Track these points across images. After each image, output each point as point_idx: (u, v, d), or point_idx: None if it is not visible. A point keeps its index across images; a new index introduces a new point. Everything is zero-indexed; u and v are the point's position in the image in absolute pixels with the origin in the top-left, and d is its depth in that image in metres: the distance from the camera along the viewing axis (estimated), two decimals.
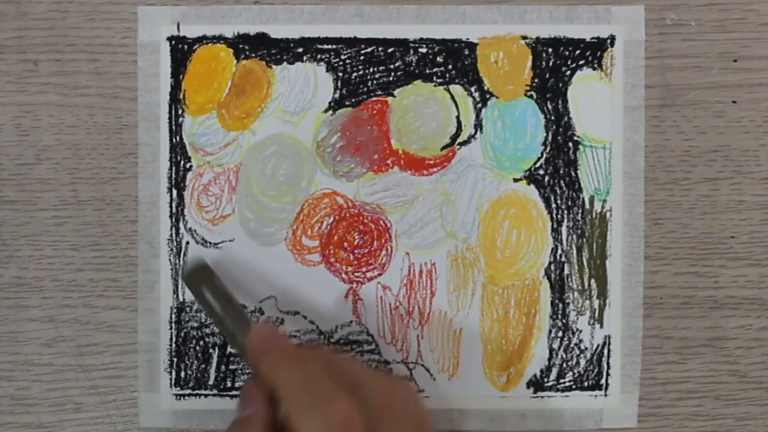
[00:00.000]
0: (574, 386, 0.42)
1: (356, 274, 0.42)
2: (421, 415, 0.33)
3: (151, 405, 0.42)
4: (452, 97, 0.42)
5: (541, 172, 0.42)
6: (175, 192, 0.42)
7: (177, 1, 0.42)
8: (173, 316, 0.42)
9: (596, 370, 0.42)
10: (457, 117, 0.42)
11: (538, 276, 0.42)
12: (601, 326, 0.42)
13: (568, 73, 0.42)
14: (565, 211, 0.42)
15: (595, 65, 0.42)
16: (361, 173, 0.42)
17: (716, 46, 0.42)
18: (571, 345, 0.42)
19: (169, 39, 0.42)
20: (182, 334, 0.42)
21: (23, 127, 0.42)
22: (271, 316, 0.42)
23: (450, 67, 0.42)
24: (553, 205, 0.42)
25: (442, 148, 0.42)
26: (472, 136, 0.42)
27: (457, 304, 0.42)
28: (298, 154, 0.42)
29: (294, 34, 0.42)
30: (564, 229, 0.42)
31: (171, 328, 0.42)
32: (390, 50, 0.42)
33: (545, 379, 0.42)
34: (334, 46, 0.42)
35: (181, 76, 0.42)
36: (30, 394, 0.42)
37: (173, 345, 0.42)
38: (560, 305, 0.42)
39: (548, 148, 0.42)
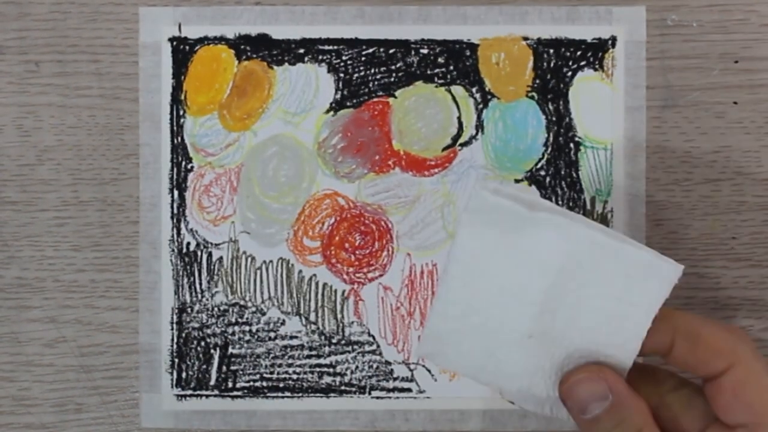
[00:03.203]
0: None
1: (357, 275, 0.42)
2: None
3: (153, 406, 0.42)
4: (453, 98, 0.42)
5: (543, 173, 0.42)
6: (176, 193, 0.42)
7: (178, 1, 0.42)
8: (174, 316, 0.42)
9: None
10: (459, 118, 0.42)
11: None
12: None
13: (570, 74, 0.42)
14: None
15: (597, 66, 0.42)
16: (362, 174, 0.42)
17: (717, 47, 0.42)
18: None
19: (171, 40, 0.42)
20: (183, 335, 0.42)
21: (24, 127, 0.42)
22: (272, 317, 0.42)
23: (451, 68, 0.42)
24: None
25: (444, 149, 0.42)
26: (473, 137, 0.42)
27: None
28: (300, 154, 0.42)
29: (295, 35, 0.42)
30: None
31: (172, 329, 0.42)
32: (391, 51, 0.42)
33: None
34: (335, 47, 0.42)
35: (182, 77, 0.42)
36: (31, 395, 0.42)
37: (174, 346, 0.42)
38: None
39: (549, 149, 0.42)
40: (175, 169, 0.42)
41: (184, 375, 0.42)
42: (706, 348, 0.31)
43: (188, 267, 0.42)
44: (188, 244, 0.42)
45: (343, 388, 0.42)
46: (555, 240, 0.30)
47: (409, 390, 0.42)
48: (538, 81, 0.42)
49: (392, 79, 0.42)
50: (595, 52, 0.42)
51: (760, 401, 0.30)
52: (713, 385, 0.31)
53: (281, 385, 0.42)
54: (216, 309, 0.42)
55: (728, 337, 0.31)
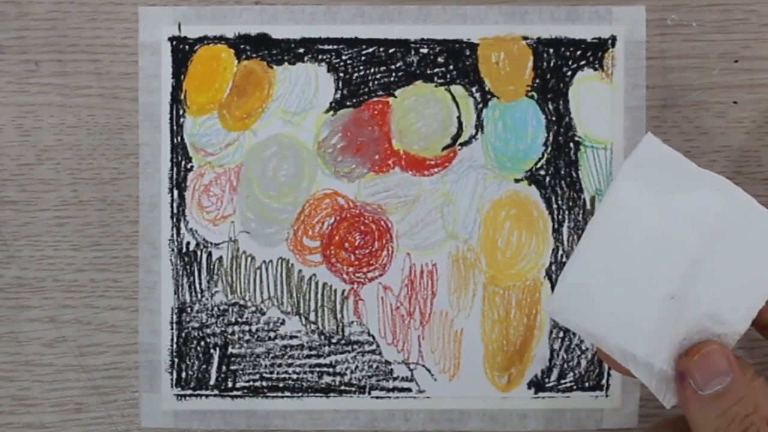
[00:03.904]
0: (574, 387, 0.42)
1: (357, 275, 0.42)
2: None
3: (152, 405, 0.42)
4: (453, 97, 0.42)
5: (542, 172, 0.42)
6: (176, 192, 0.42)
7: (178, 1, 0.42)
8: (174, 316, 0.42)
9: (597, 370, 0.42)
10: (458, 117, 0.42)
11: (539, 277, 0.42)
12: None
13: (569, 73, 0.42)
14: (566, 212, 0.42)
15: (596, 66, 0.42)
16: (362, 174, 0.42)
17: (717, 47, 0.42)
18: (572, 346, 0.42)
19: (170, 39, 0.42)
20: (183, 335, 0.42)
21: (24, 127, 0.42)
22: (272, 317, 0.42)
23: (451, 67, 0.42)
24: (554, 206, 0.42)
25: (443, 149, 0.42)
26: (473, 137, 0.42)
27: (458, 305, 0.42)
28: (299, 154, 0.42)
29: (295, 35, 0.42)
30: (565, 230, 0.42)
31: (172, 329, 0.42)
32: (391, 50, 0.42)
33: (546, 380, 0.42)
34: (335, 47, 0.42)
35: (182, 77, 0.42)
36: (31, 395, 0.42)
37: (174, 345, 0.42)
38: None
39: (549, 149, 0.42)
40: (174, 169, 0.42)
41: (183, 375, 0.42)
42: None
43: (188, 267, 0.42)
44: (188, 243, 0.42)
45: (342, 387, 0.42)
46: (714, 199, 0.30)
47: (408, 390, 0.42)
48: (537, 80, 0.42)
49: (392, 79, 0.42)
50: (594, 52, 0.42)
51: None
52: None
53: (281, 384, 0.42)
54: (216, 309, 0.42)
55: None
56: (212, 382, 0.42)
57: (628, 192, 0.31)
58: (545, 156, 0.42)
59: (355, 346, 0.42)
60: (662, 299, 0.30)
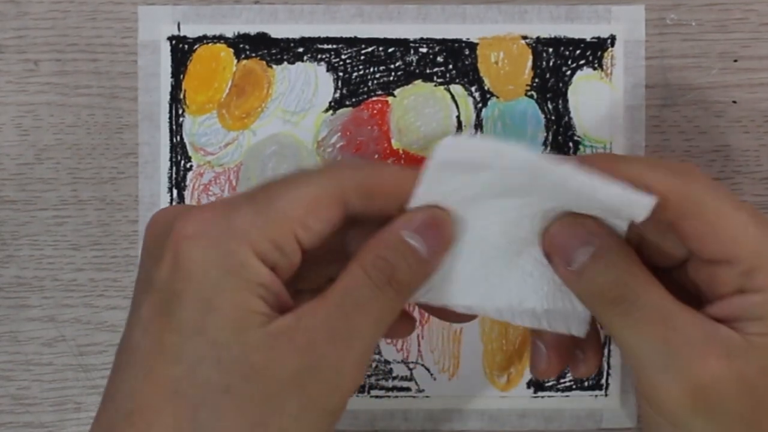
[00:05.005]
0: (574, 386, 0.42)
1: None
2: None
3: None
4: (452, 97, 0.42)
5: None
6: (175, 192, 0.42)
7: (177, 0, 0.42)
8: None
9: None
10: (458, 117, 0.42)
11: None
12: (602, 326, 0.42)
13: (569, 72, 0.42)
14: None
15: (596, 65, 0.42)
16: None
17: (717, 46, 0.42)
18: None
19: (170, 39, 0.42)
20: None
21: (23, 126, 0.42)
22: None
23: (450, 66, 0.42)
24: None
25: None
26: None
27: None
28: (299, 153, 0.42)
29: (294, 34, 0.42)
30: None
31: None
32: (390, 50, 0.42)
33: (545, 380, 0.42)
34: (334, 46, 0.42)
35: (181, 76, 0.42)
36: (30, 394, 0.42)
37: None
38: None
39: (549, 148, 0.42)
40: (174, 168, 0.42)
41: None
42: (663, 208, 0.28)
43: None
44: None
45: None
46: (526, 181, 0.29)
47: (408, 389, 0.42)
48: (537, 80, 0.42)
49: (391, 78, 0.42)
50: (594, 51, 0.42)
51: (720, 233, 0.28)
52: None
53: None
54: None
55: (674, 181, 0.28)
56: None
57: (438, 184, 0.30)
58: None
59: None
60: (509, 260, 0.31)
